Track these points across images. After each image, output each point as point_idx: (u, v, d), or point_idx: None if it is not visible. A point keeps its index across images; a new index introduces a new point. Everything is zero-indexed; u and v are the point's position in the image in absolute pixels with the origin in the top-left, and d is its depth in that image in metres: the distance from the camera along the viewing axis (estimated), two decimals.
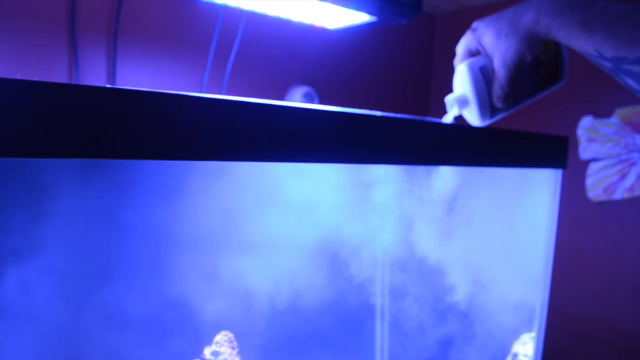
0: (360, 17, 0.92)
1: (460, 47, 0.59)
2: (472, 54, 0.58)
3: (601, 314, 1.20)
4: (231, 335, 0.49)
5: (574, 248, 1.24)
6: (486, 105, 0.57)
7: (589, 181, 1.21)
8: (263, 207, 0.49)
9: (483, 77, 0.56)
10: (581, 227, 1.23)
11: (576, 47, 0.53)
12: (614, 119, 1.16)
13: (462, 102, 0.58)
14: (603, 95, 1.18)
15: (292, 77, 1.21)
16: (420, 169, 0.62)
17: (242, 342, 0.50)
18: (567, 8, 0.52)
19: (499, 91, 0.56)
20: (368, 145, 0.50)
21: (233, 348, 0.49)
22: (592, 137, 1.20)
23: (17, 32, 0.85)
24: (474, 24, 0.57)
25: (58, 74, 0.90)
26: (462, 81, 0.57)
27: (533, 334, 0.83)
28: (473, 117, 0.59)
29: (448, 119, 0.60)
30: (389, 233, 0.61)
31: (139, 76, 0.99)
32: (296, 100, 1.19)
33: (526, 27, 0.54)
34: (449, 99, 0.58)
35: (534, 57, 0.56)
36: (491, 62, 0.56)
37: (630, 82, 0.53)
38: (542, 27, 0.53)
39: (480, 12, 0.99)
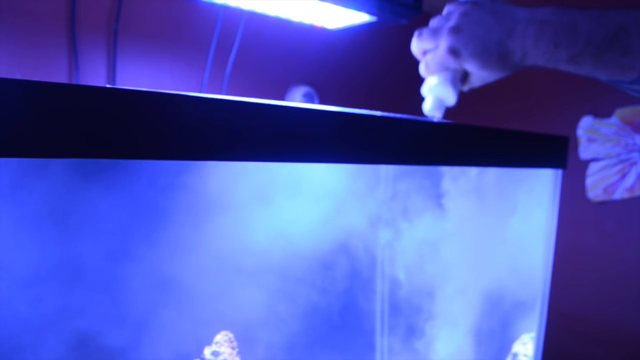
0: (360, 17, 0.92)
1: (435, 63, 0.57)
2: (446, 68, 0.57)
3: (601, 314, 1.20)
4: (231, 335, 0.49)
5: (574, 248, 1.24)
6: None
7: (589, 181, 1.21)
8: (263, 207, 0.49)
9: (460, 84, 0.59)
10: (581, 227, 1.23)
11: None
12: (614, 119, 1.16)
13: (440, 106, 0.59)
14: (603, 95, 1.18)
15: (292, 77, 1.21)
16: (420, 169, 0.62)
17: (242, 342, 0.50)
18: (550, 45, 0.49)
19: (468, 89, 0.60)
20: (368, 145, 0.50)
21: (233, 348, 0.49)
22: (592, 137, 1.20)
23: (17, 32, 0.85)
24: (452, 44, 0.54)
25: (58, 74, 0.90)
26: (439, 89, 0.58)
27: (533, 334, 0.83)
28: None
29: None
30: (388, 234, 0.61)
31: (139, 76, 0.99)
32: (296, 100, 1.19)
33: (514, 64, 0.53)
34: (428, 110, 0.59)
35: None
36: (466, 72, 0.57)
37: (633, 94, 0.52)
38: (529, 63, 0.53)
39: None
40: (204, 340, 0.48)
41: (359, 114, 0.49)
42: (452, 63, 0.55)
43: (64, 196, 0.38)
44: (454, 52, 0.54)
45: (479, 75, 0.56)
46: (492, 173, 0.71)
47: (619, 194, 1.16)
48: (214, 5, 0.97)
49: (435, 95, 0.58)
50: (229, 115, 0.40)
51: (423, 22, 1.42)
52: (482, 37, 0.52)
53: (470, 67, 0.54)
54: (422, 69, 0.59)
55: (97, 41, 0.93)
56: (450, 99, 0.58)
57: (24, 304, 0.37)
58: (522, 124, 1.33)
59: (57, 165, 0.37)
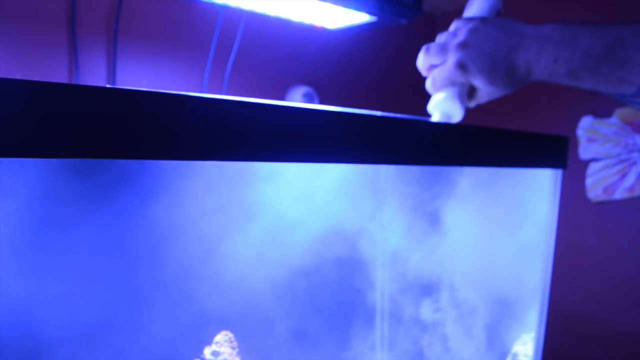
0: (360, 17, 0.92)
1: (442, 78, 0.57)
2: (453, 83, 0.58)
3: (601, 314, 1.20)
4: (231, 335, 0.49)
5: (574, 248, 1.24)
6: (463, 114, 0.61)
7: (589, 181, 1.21)
8: (264, 207, 0.49)
9: (466, 99, 0.59)
10: (581, 227, 1.23)
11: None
12: (614, 119, 1.16)
13: (447, 122, 0.60)
14: (603, 95, 1.18)
15: (292, 77, 1.21)
16: (420, 169, 0.62)
17: (242, 342, 0.50)
18: (550, 60, 0.50)
19: (474, 105, 0.60)
20: (368, 145, 0.50)
21: (233, 348, 0.49)
22: (592, 137, 1.20)
23: (17, 32, 0.85)
24: (461, 59, 0.54)
25: (58, 74, 0.90)
26: (446, 105, 0.58)
27: (533, 334, 0.83)
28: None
29: None
30: (388, 233, 0.61)
31: (139, 76, 0.99)
32: (296, 100, 1.19)
33: (519, 79, 0.54)
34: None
35: None
36: (473, 87, 0.58)
37: (638, 107, 0.53)
38: (534, 79, 0.54)
39: None
40: (204, 340, 0.48)
41: (359, 114, 0.49)
42: (460, 78, 0.55)
43: (63, 195, 0.38)
44: (462, 66, 0.54)
45: (485, 91, 0.56)
46: (492, 173, 0.71)
47: (619, 194, 1.16)
48: (214, 5, 0.97)
49: (442, 110, 0.58)
50: (229, 115, 0.40)
51: (423, 22, 1.41)
52: (490, 52, 0.53)
53: (478, 82, 0.55)
54: (428, 85, 0.59)
55: (97, 41, 0.93)
56: (457, 114, 0.58)
57: (23, 303, 0.37)
58: (522, 124, 1.33)
59: (56, 165, 0.37)
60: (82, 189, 0.39)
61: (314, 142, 0.46)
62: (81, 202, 0.39)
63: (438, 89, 0.58)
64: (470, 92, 0.59)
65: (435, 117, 0.59)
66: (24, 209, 0.36)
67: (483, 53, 0.53)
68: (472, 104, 0.60)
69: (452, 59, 0.55)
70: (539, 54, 0.51)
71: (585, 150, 1.21)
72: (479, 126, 0.63)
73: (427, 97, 0.62)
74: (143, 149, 0.36)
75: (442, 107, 0.58)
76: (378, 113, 0.51)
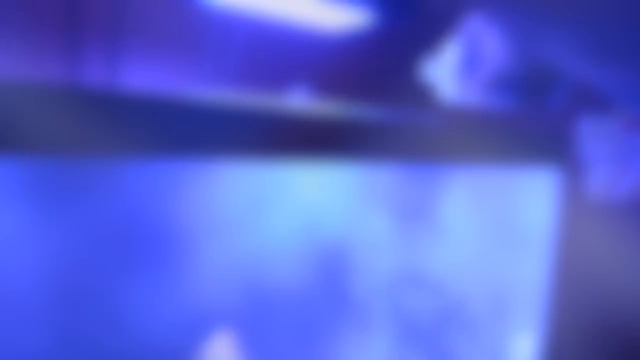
0: (360, 17, 0.92)
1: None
2: None
3: (601, 314, 1.20)
4: (231, 335, 0.49)
5: (574, 248, 1.24)
6: None
7: (589, 181, 1.21)
8: (264, 208, 0.49)
9: (467, 73, 0.59)
10: (581, 227, 1.23)
11: None
12: (614, 119, 1.16)
13: (438, 87, 0.60)
14: (602, 94, 1.18)
15: (292, 77, 1.21)
16: (419, 169, 0.62)
17: (242, 342, 0.50)
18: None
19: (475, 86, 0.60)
20: (367, 145, 0.50)
21: (233, 348, 0.49)
22: (592, 137, 1.20)
23: (17, 32, 0.85)
24: None
25: (58, 74, 0.90)
26: (443, 68, 0.59)
27: (533, 334, 0.83)
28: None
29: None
30: (387, 234, 0.61)
31: (139, 76, 0.99)
32: (296, 100, 1.19)
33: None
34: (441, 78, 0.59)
35: None
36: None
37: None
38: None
39: None
40: (204, 340, 0.48)
41: (357, 113, 0.49)
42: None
43: (61, 197, 0.38)
44: None
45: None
46: (492, 173, 0.71)
47: (619, 194, 1.16)
48: (214, 5, 0.97)
49: (437, 74, 0.59)
50: (227, 115, 0.40)
51: (423, 22, 1.40)
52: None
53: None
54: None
55: (97, 41, 0.93)
56: (448, 85, 0.58)
57: (21, 307, 0.37)
58: (521, 124, 1.33)
59: (56, 166, 0.37)
60: (78, 187, 0.39)
61: (313, 142, 0.46)
62: (79, 204, 0.39)
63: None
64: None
65: (429, 80, 0.60)
66: (15, 208, 0.36)
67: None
68: (470, 85, 0.61)
69: None
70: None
71: (585, 150, 1.22)
72: (478, 125, 0.63)
73: (426, 98, 0.62)
74: (143, 149, 0.36)
75: (438, 71, 0.59)
76: (375, 113, 0.51)
